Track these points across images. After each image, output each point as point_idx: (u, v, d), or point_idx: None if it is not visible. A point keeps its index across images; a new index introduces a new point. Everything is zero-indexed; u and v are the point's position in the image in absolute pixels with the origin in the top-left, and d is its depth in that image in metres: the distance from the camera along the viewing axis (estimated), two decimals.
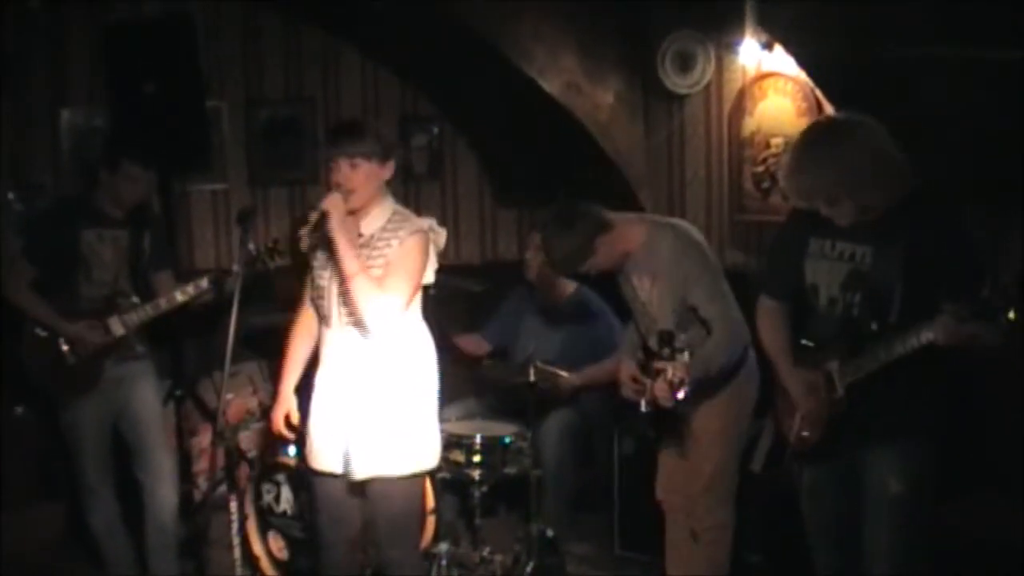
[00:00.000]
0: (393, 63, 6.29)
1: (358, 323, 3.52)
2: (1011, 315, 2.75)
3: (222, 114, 5.99)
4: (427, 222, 3.63)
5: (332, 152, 3.52)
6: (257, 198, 6.09)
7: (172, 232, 5.37)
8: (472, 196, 6.56)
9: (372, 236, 3.56)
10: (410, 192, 6.40)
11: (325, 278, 3.60)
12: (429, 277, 3.65)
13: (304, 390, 3.86)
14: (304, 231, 3.63)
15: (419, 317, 3.70)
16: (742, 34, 5.21)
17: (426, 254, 3.58)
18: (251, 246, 3.99)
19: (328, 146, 3.55)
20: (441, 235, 3.66)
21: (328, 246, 3.52)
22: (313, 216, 3.53)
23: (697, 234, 4.07)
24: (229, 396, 5.45)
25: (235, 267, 4.25)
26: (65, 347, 4.31)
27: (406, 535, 3.73)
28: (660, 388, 3.69)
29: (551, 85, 5.48)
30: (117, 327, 4.33)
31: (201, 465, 5.50)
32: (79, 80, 5.70)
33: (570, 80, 5.51)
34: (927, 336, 2.93)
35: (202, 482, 5.42)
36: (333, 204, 3.46)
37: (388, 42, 6.09)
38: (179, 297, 4.36)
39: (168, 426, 4.97)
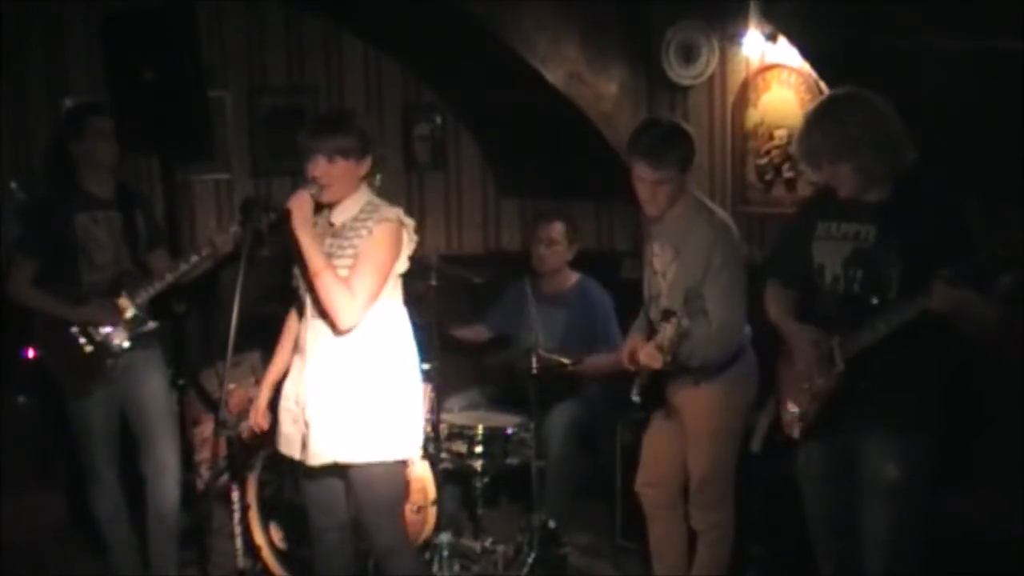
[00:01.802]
0: (396, 52, 6.28)
1: (326, 318, 3.54)
2: (1003, 279, 2.84)
3: (225, 103, 5.98)
4: (394, 211, 3.61)
5: (311, 145, 3.52)
6: (260, 188, 6.09)
7: (175, 221, 5.36)
8: (475, 186, 6.55)
9: (343, 226, 3.59)
10: (413, 181, 6.41)
11: (298, 271, 3.65)
12: (402, 266, 3.64)
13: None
14: (264, 225, 3.64)
15: (397, 305, 3.69)
16: (746, 25, 5.20)
17: (395, 243, 3.57)
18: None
19: (308, 139, 3.54)
20: (410, 224, 3.64)
21: (294, 243, 3.53)
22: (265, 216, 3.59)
23: (734, 229, 4.01)
24: (231, 386, 5.45)
25: (233, 228, 4.27)
26: (83, 339, 4.30)
27: (388, 522, 3.73)
28: (647, 351, 3.81)
29: (554, 75, 5.46)
30: (127, 306, 4.33)
31: (203, 455, 5.50)
32: (80, 68, 5.70)
33: (573, 70, 5.49)
34: (923, 302, 3.00)
35: (204, 471, 5.43)
36: (297, 202, 3.48)
37: (391, 31, 6.08)
38: (183, 267, 4.35)
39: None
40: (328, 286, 3.47)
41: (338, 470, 3.67)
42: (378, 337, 3.61)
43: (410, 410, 3.69)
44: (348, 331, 3.53)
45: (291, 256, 3.66)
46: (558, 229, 5.15)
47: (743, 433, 4.00)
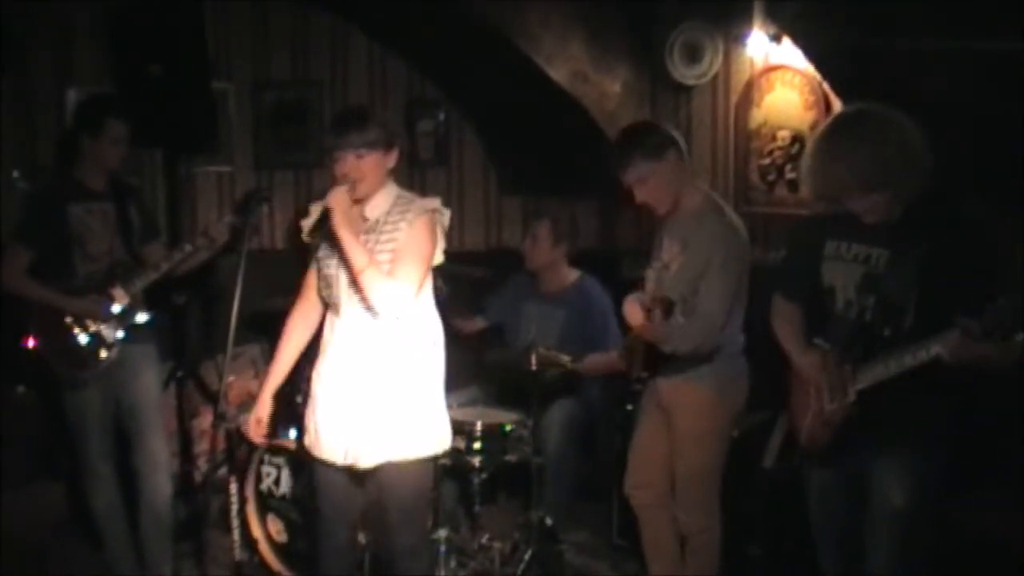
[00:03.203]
0: (400, 48, 6.29)
1: (372, 313, 3.51)
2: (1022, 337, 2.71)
3: (229, 96, 5.99)
4: (433, 202, 3.62)
5: (338, 143, 3.51)
6: (263, 181, 6.09)
7: (177, 213, 5.37)
8: (477, 182, 6.56)
9: (378, 221, 3.57)
10: (415, 177, 6.40)
11: (332, 267, 3.59)
12: (438, 258, 3.63)
13: (301, 375, 3.85)
14: (306, 227, 3.63)
15: (429, 300, 3.68)
16: (750, 26, 5.19)
17: (434, 235, 3.57)
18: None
19: (334, 137, 3.53)
20: (446, 215, 3.64)
21: (333, 240, 3.51)
22: (314, 212, 3.57)
23: (743, 233, 4.00)
24: (231, 378, 5.47)
25: (228, 218, 4.30)
26: (77, 329, 4.31)
27: (416, 520, 3.72)
28: (630, 307, 3.92)
29: (558, 73, 5.47)
30: (121, 296, 4.33)
31: (202, 447, 5.51)
32: (86, 60, 5.70)
33: (577, 68, 5.50)
34: (936, 350, 2.88)
35: (203, 464, 5.44)
36: (337, 200, 3.47)
37: (396, 26, 6.09)
38: (177, 256, 4.36)
39: (169, 407, 4.99)
40: (373, 282, 3.44)
41: (357, 470, 3.62)
42: (411, 333, 3.59)
43: (440, 406, 3.69)
44: (389, 323, 3.51)
45: (322, 253, 3.63)
46: (542, 228, 5.14)
47: (730, 437, 4.01)
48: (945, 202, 3.09)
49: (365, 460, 3.57)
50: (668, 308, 3.75)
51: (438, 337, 3.69)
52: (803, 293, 3.40)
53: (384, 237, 3.54)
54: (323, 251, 3.64)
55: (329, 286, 3.61)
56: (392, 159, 3.58)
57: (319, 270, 3.66)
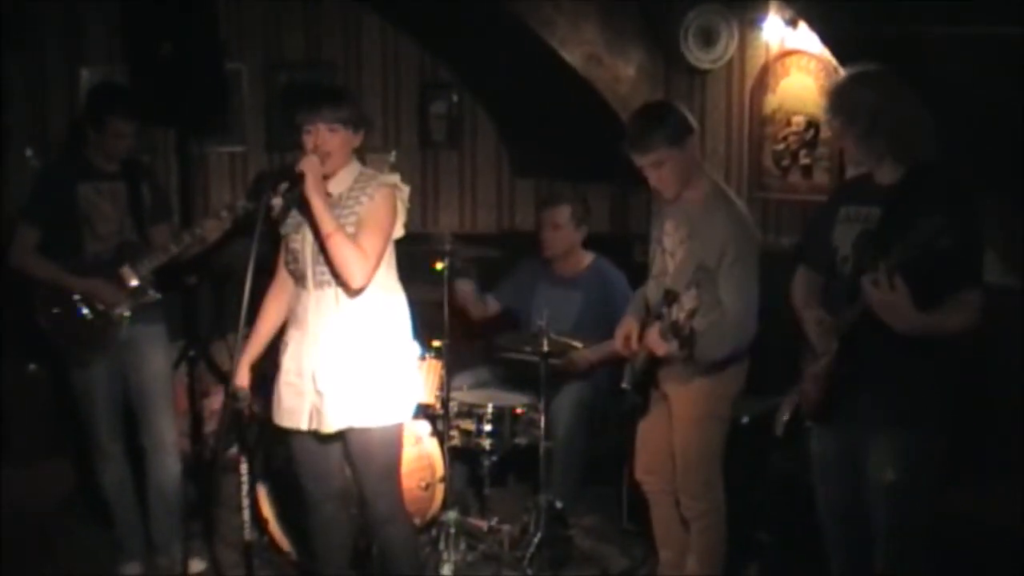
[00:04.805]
0: (414, 29, 6.27)
1: (338, 282, 3.62)
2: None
3: (242, 77, 5.98)
4: (393, 178, 3.74)
5: (312, 117, 3.62)
6: (275, 162, 6.09)
7: (189, 193, 5.37)
8: (490, 165, 6.55)
9: (340, 195, 3.68)
10: (428, 159, 6.40)
11: (298, 240, 3.70)
12: (398, 232, 3.73)
13: (268, 351, 3.89)
14: (278, 193, 3.70)
15: (392, 274, 3.78)
16: (766, 10, 5.18)
17: (395, 209, 3.69)
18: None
19: (309, 112, 3.63)
20: (406, 191, 3.75)
21: (303, 207, 3.62)
22: (282, 189, 3.66)
23: (751, 221, 3.99)
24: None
25: (239, 203, 4.30)
26: (85, 308, 4.31)
27: (387, 489, 3.79)
28: (653, 336, 3.82)
29: (572, 56, 5.45)
30: (130, 277, 4.33)
31: (213, 427, 5.52)
32: (98, 39, 5.70)
33: (591, 51, 5.48)
34: (863, 302, 3.08)
35: (213, 443, 5.44)
36: (310, 166, 3.57)
37: (409, 8, 6.07)
38: (187, 239, 4.36)
39: (181, 387, 5.00)
40: (341, 247, 3.55)
41: (334, 440, 3.73)
42: (377, 304, 3.70)
43: (405, 375, 3.79)
44: (360, 291, 3.62)
45: (288, 227, 3.74)
46: (563, 213, 5.14)
47: (728, 420, 4.00)
48: (945, 173, 3.21)
49: (329, 425, 3.66)
50: (673, 300, 3.71)
51: (401, 308, 3.80)
52: (822, 262, 3.45)
53: (347, 211, 3.65)
54: (289, 225, 3.75)
55: (295, 259, 3.72)
56: (358, 140, 3.73)
57: (285, 244, 3.78)
